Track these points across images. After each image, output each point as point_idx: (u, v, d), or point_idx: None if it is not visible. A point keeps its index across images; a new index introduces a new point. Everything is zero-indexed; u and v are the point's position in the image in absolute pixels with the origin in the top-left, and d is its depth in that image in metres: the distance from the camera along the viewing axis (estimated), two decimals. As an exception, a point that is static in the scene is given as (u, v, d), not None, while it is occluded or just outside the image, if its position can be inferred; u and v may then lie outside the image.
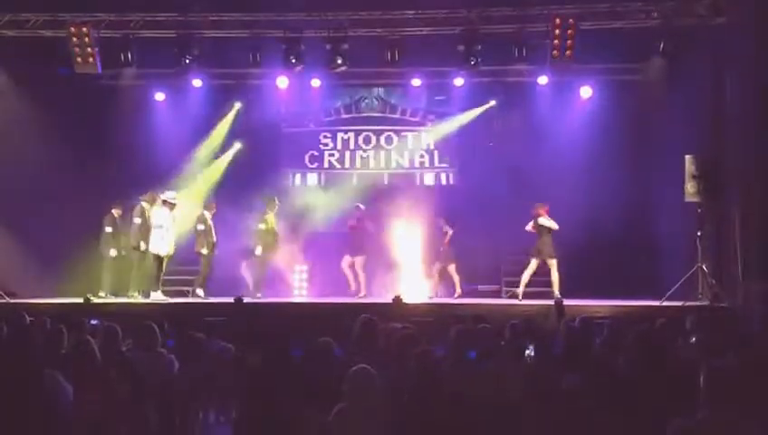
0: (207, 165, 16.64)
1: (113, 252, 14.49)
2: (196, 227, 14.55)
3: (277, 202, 14.98)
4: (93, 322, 8.58)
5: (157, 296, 13.85)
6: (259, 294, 14.36)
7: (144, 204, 14.38)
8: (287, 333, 9.24)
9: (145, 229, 14.20)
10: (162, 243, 14.07)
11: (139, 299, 13.87)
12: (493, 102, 16.57)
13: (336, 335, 6.72)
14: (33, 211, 14.43)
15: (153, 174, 15.71)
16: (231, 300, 12.86)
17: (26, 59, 14.57)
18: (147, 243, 14.14)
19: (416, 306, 12.76)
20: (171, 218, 14.22)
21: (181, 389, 7.41)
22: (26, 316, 8.21)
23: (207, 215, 14.64)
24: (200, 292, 14.28)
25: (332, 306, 13.29)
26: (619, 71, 15.81)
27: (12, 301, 12.83)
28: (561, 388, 5.37)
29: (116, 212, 14.65)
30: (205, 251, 14.43)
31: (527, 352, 6.83)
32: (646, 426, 4.65)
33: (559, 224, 14.78)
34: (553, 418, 5.29)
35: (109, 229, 14.56)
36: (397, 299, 12.45)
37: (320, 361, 5.93)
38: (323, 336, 6.41)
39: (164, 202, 14.25)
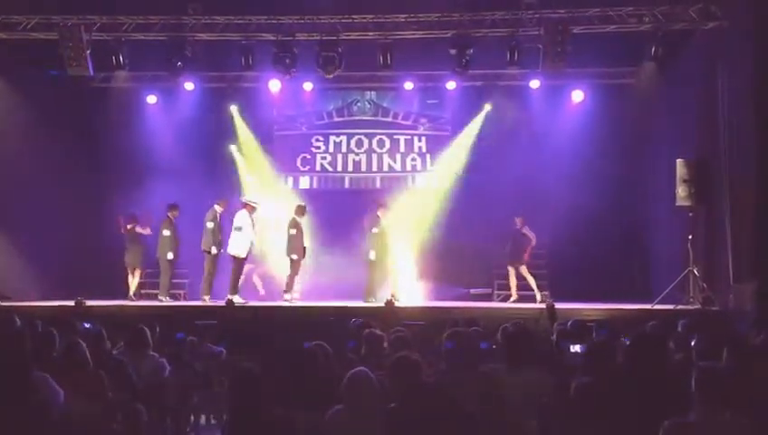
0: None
1: (171, 255, 14.46)
2: (288, 232, 14.49)
3: (389, 207, 14.87)
4: (86, 325, 8.54)
5: (236, 299, 13.76)
6: (373, 299, 14.15)
7: (217, 207, 14.39)
8: (279, 336, 9.26)
9: (217, 233, 14.20)
10: (241, 245, 14.05)
11: (209, 302, 13.83)
12: (488, 108, 16.56)
13: (328, 338, 6.72)
14: (24, 214, 14.38)
15: (145, 177, 15.73)
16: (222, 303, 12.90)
17: (18, 61, 14.54)
18: (218, 247, 14.16)
19: (408, 310, 12.75)
20: (251, 221, 14.20)
21: (173, 392, 7.40)
22: (17, 319, 8.17)
23: (299, 219, 14.61)
24: (288, 296, 14.27)
25: (324, 310, 13.25)
26: (611, 75, 15.88)
27: (4, 304, 12.77)
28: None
29: (172, 214, 14.61)
30: (295, 257, 14.40)
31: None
32: (638, 428, 4.66)
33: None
34: (547, 419, 5.29)
35: (167, 233, 14.52)
36: (389, 303, 12.44)
37: (312, 364, 5.91)
38: (316, 339, 6.40)
39: (244, 205, 14.30)
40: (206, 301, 13.90)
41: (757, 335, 7.14)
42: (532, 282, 14.59)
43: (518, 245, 14.80)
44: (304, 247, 14.60)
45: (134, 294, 14.75)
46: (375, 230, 14.45)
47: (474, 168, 16.56)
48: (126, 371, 6.68)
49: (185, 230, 14.75)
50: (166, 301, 14.21)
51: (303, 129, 17.41)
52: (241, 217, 14.19)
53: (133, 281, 14.81)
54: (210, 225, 14.23)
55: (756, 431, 4.43)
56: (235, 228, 14.11)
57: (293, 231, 14.48)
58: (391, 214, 14.85)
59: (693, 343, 6.39)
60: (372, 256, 14.37)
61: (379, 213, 14.59)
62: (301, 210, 14.72)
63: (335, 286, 14.99)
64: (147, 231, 14.95)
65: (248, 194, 14.58)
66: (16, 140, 14.41)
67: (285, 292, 14.29)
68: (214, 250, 14.17)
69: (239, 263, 14.16)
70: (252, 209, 14.34)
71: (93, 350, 6.72)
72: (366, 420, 4.97)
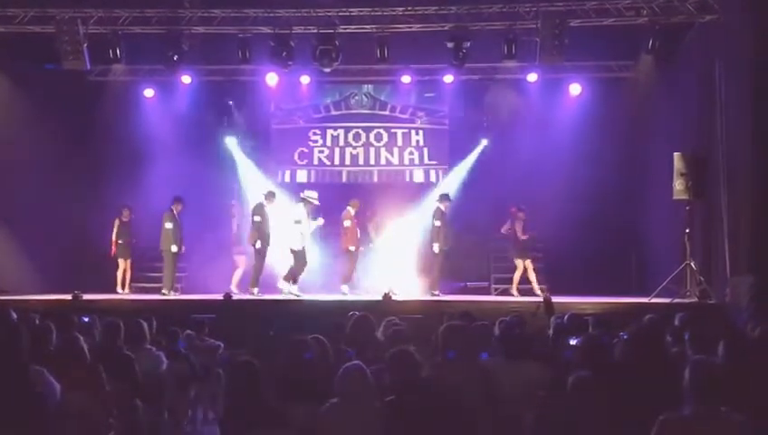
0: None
1: (174, 248, 14.45)
2: (343, 224, 14.59)
3: (451, 198, 14.80)
4: (85, 318, 8.54)
5: (292, 289, 13.84)
6: (437, 292, 14.24)
7: (265, 202, 14.43)
8: (277, 329, 9.26)
9: (264, 227, 14.21)
10: (300, 238, 14.07)
11: (259, 295, 13.87)
12: (486, 101, 16.57)
13: (326, 332, 6.73)
14: (21, 207, 14.38)
15: (142, 170, 15.72)
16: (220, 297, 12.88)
17: (14, 55, 14.51)
18: (264, 241, 14.20)
19: (405, 303, 12.75)
20: (307, 215, 14.22)
21: (170, 385, 7.40)
22: (13, 313, 8.16)
23: (352, 211, 14.66)
24: (345, 288, 14.30)
25: (322, 304, 13.26)
26: (609, 68, 15.89)
27: (0, 298, 12.76)
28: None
29: (175, 208, 14.59)
30: (352, 248, 14.55)
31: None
32: (634, 422, 4.66)
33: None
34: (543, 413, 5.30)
35: (169, 226, 14.50)
36: (386, 296, 12.45)
37: (309, 358, 5.91)
38: (313, 333, 6.41)
39: (302, 200, 14.34)
40: (255, 293, 13.93)
41: (754, 329, 7.14)
42: (532, 276, 14.64)
43: (515, 240, 14.85)
44: (359, 238, 14.69)
45: (129, 286, 14.79)
46: (438, 223, 14.40)
47: (470, 162, 16.59)
48: (132, 366, 6.69)
49: (183, 223, 14.73)
50: (170, 295, 14.20)
51: (301, 122, 17.40)
52: (299, 212, 14.22)
53: (124, 274, 14.83)
54: (257, 219, 14.27)
55: (751, 426, 4.43)
56: (295, 222, 14.12)
57: (348, 223, 14.56)
58: (450, 205, 14.74)
59: (687, 337, 6.39)
60: (436, 248, 14.34)
61: (441, 206, 14.54)
62: (356, 203, 14.77)
63: (333, 281, 14.99)
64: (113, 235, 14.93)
65: (308, 191, 14.55)
66: (13, 134, 14.39)
67: (343, 283, 14.41)
68: (258, 244, 14.18)
69: (297, 255, 14.12)
70: (309, 205, 14.33)
71: (105, 342, 6.82)
72: (360, 414, 4.98)
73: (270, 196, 14.60)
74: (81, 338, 6.39)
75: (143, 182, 15.58)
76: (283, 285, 14.03)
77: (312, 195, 14.47)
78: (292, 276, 14.09)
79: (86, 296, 12.46)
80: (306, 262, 14.26)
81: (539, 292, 14.29)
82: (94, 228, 15.39)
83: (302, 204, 14.35)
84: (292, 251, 14.15)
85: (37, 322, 7.71)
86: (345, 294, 14.20)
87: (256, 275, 14.25)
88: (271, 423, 5.00)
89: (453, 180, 16.64)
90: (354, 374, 5.11)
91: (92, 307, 11.15)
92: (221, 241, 15.56)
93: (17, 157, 14.41)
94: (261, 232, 14.23)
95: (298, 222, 14.13)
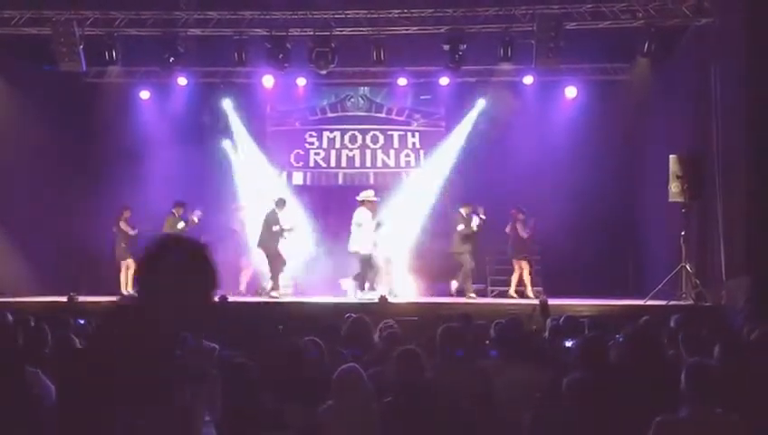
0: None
1: None
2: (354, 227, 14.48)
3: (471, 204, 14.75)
4: (80, 321, 8.50)
5: (365, 295, 13.69)
6: (472, 294, 14.24)
7: (276, 208, 14.33)
8: (274, 331, 9.25)
9: (276, 234, 14.11)
10: (362, 241, 13.93)
11: (273, 298, 13.82)
12: (482, 104, 16.57)
13: (322, 334, 6.73)
14: (16, 208, 14.37)
15: (138, 172, 15.69)
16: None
17: (10, 56, 14.50)
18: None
19: (401, 305, 12.75)
20: (371, 218, 14.09)
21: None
22: (9, 315, 8.13)
23: (368, 215, 14.53)
24: (358, 291, 14.17)
25: (319, 305, 13.24)
26: (605, 71, 15.90)
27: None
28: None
29: (177, 212, 14.54)
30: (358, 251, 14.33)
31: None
32: (630, 424, 4.66)
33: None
34: (540, 415, 5.30)
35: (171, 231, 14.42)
36: (382, 299, 12.45)
37: (305, 359, 5.91)
38: (310, 335, 6.41)
39: (362, 202, 14.15)
40: (277, 296, 13.88)
41: (750, 331, 7.15)
42: (527, 278, 14.73)
43: (514, 242, 14.89)
44: (374, 243, 14.50)
45: (128, 290, 14.73)
46: (460, 227, 14.39)
47: (466, 163, 16.58)
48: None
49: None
50: None
51: (297, 124, 17.39)
52: (361, 214, 14.03)
53: (127, 274, 14.78)
54: (275, 228, 14.16)
55: (748, 427, 4.44)
56: (356, 224, 13.95)
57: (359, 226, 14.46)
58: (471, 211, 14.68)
59: (680, 338, 6.39)
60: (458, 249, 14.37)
61: (462, 211, 14.52)
62: (373, 206, 14.68)
63: (329, 282, 14.98)
64: (131, 231, 14.74)
65: (365, 192, 14.43)
66: (9, 135, 14.38)
67: (359, 288, 14.18)
68: (273, 249, 14.03)
69: (366, 260, 14.00)
70: (371, 206, 14.18)
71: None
72: (356, 416, 4.99)
73: (281, 203, 14.47)
74: (77, 340, 6.37)
75: (139, 183, 15.54)
76: (359, 293, 13.82)
77: (369, 194, 14.31)
78: (366, 282, 13.92)
79: (82, 298, 12.43)
80: (375, 266, 14.08)
81: (532, 295, 14.32)
82: (90, 230, 15.35)
83: (363, 207, 14.12)
84: (359, 256, 13.95)
85: (32, 323, 7.68)
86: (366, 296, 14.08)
87: (275, 279, 14.17)
88: (268, 425, 5.00)
89: (447, 181, 16.65)
90: (350, 376, 5.12)
91: (88, 309, 11.13)
92: (217, 243, 15.50)
93: (13, 158, 14.39)
94: (274, 238, 14.14)
95: (359, 225, 13.92)
